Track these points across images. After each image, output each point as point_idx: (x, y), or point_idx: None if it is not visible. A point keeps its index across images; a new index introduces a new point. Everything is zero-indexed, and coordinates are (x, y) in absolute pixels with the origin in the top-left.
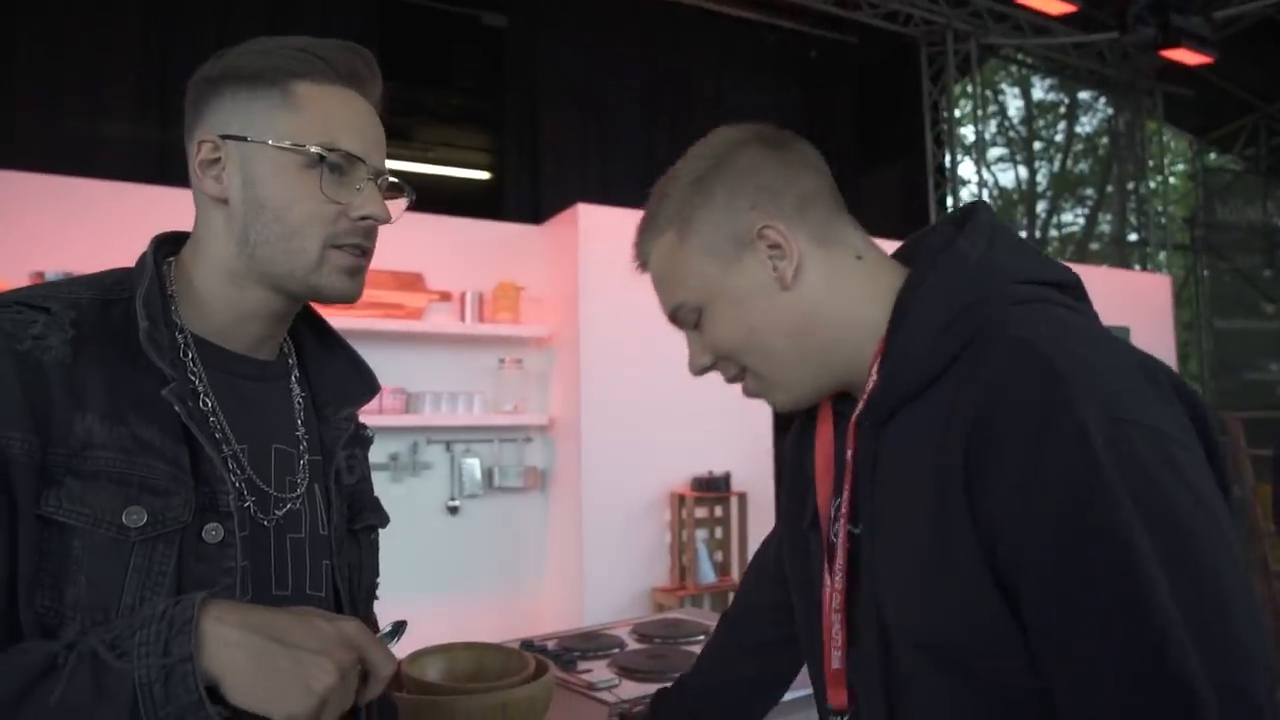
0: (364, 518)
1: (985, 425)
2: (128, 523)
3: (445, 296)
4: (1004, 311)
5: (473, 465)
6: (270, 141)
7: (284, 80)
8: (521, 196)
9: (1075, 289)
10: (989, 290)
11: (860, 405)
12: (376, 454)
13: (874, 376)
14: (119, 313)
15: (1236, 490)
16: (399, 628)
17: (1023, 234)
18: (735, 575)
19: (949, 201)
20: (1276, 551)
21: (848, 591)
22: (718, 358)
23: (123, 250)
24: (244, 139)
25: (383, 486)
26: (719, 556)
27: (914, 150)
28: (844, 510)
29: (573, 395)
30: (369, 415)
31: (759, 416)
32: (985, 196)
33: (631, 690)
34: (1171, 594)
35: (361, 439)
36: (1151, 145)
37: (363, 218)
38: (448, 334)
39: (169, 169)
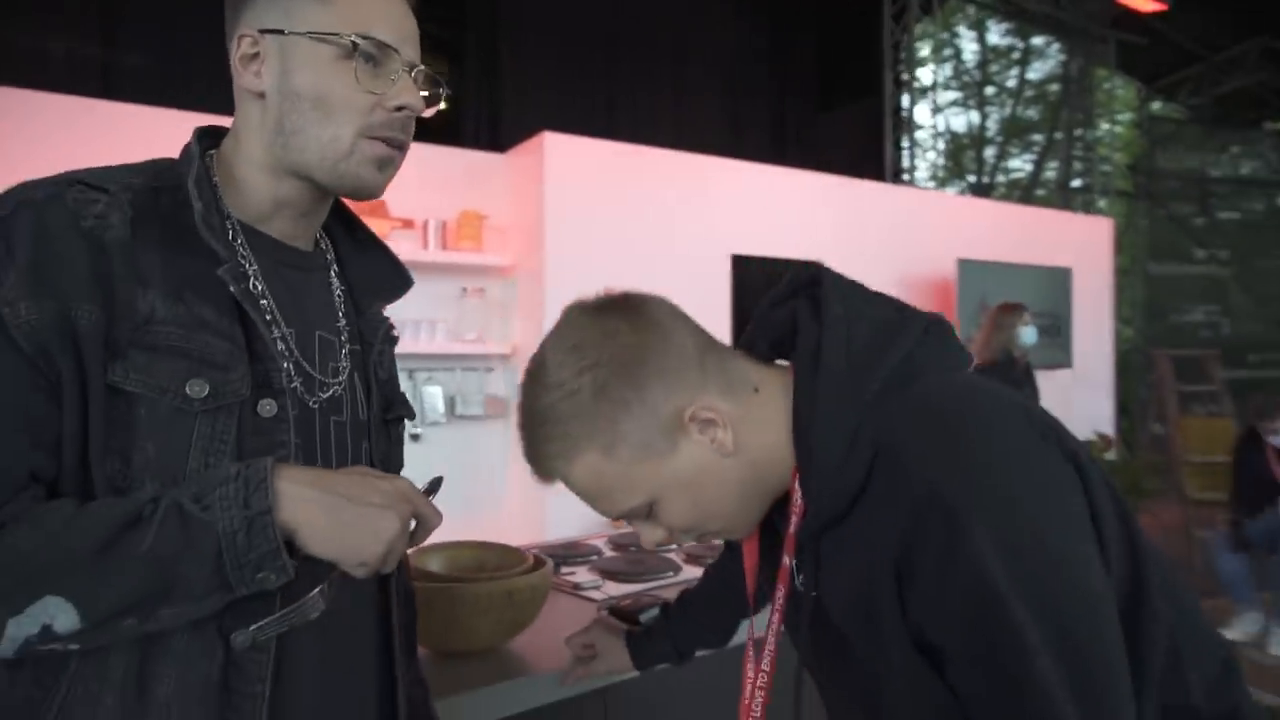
0: (395, 409)
1: (907, 562)
2: (191, 393)
3: (408, 224)
4: (890, 426)
5: (434, 393)
6: (307, 33)
7: None
8: (480, 124)
9: (936, 331)
10: (869, 411)
11: (795, 525)
12: None
13: (798, 498)
14: (167, 200)
15: (1157, 428)
16: (437, 483)
17: (972, 178)
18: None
19: (904, 144)
20: (1195, 480)
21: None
22: (673, 534)
23: (63, 163)
24: (281, 32)
25: None
26: None
27: (873, 90)
28: (773, 626)
29: (535, 325)
30: None
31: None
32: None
33: (615, 590)
34: (1053, 668)
35: (390, 338)
36: (1099, 93)
37: (398, 108)
38: (410, 262)
39: (113, 85)
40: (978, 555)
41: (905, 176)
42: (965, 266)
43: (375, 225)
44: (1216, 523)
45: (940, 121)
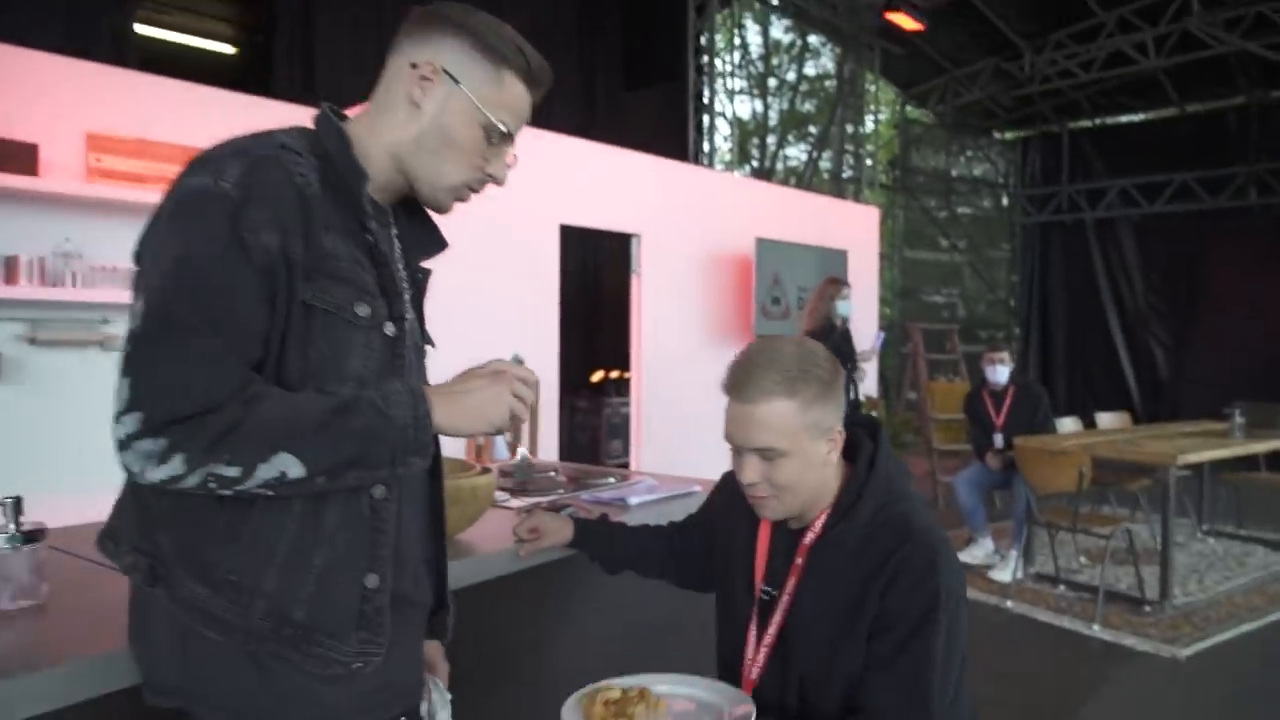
0: (426, 338)
1: (891, 586)
2: (359, 312)
3: None
4: (894, 508)
5: None
6: (472, 97)
7: (502, 64)
8: (293, 78)
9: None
10: (889, 497)
11: (813, 535)
12: None
13: (819, 522)
14: (327, 164)
15: (911, 394)
16: (519, 358)
17: (755, 163)
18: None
19: (705, 126)
20: (939, 434)
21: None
22: (766, 482)
23: None
24: (457, 82)
25: None
26: (509, 437)
27: (676, 76)
28: (789, 591)
29: None
30: None
31: (546, 312)
32: (726, 127)
33: (517, 502)
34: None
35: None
36: (867, 95)
37: (489, 176)
38: None
39: None
40: (935, 591)
41: (704, 159)
42: (762, 245)
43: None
44: (956, 468)
45: (729, 108)
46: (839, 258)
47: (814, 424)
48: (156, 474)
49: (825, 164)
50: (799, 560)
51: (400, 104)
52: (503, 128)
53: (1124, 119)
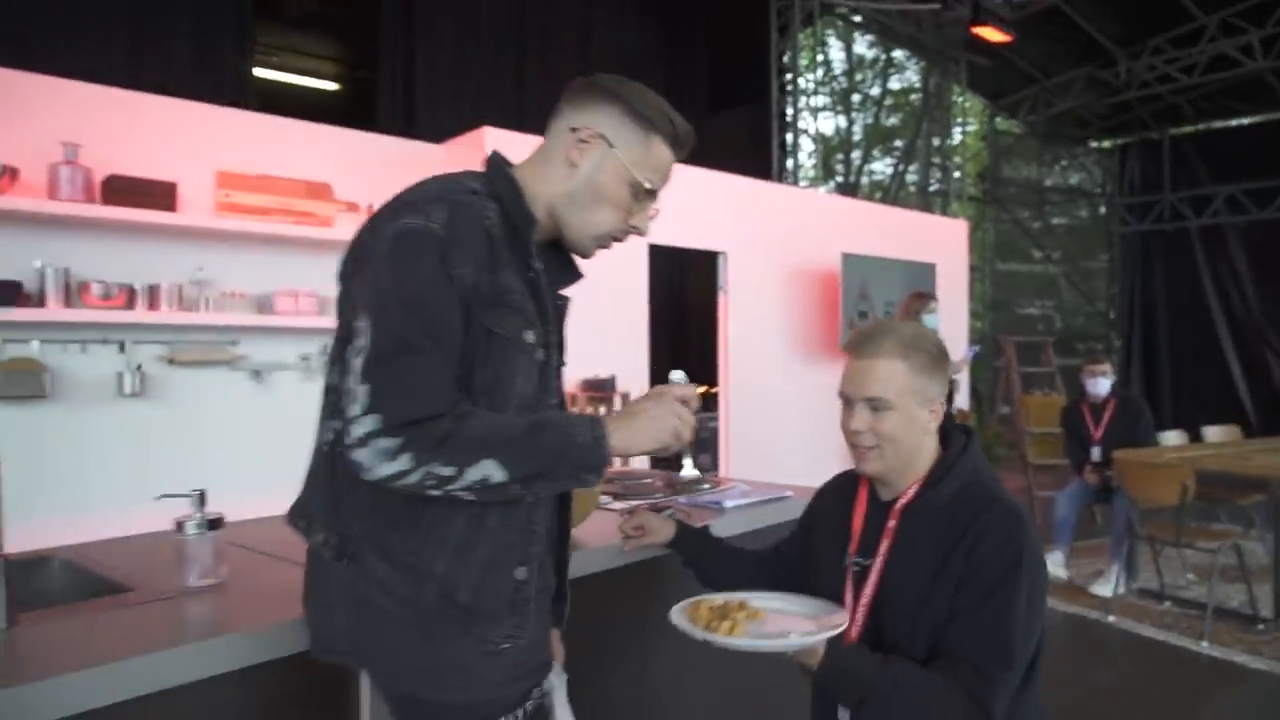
0: (563, 359)
1: (978, 545)
2: (527, 339)
3: (353, 207)
4: (981, 483)
5: None
6: (623, 159)
7: (651, 131)
8: (395, 112)
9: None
10: (976, 476)
11: (905, 501)
12: (288, 354)
13: (913, 490)
14: (499, 207)
15: (1004, 408)
16: (683, 374)
17: (839, 179)
18: (617, 463)
19: (788, 144)
20: (1034, 449)
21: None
22: (872, 431)
23: None
24: (611, 146)
25: (294, 385)
26: (687, 453)
27: (760, 98)
28: (882, 554)
29: None
30: (287, 316)
31: (636, 329)
32: (809, 144)
33: (619, 505)
34: (1023, 619)
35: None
36: (954, 107)
37: (633, 227)
38: None
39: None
40: (1018, 554)
41: (788, 177)
42: (848, 260)
43: (321, 207)
44: (1051, 483)
45: (812, 125)
46: (926, 271)
47: (920, 389)
48: (385, 469)
49: (911, 177)
50: (891, 524)
51: (560, 162)
52: (648, 185)
53: (1231, 123)
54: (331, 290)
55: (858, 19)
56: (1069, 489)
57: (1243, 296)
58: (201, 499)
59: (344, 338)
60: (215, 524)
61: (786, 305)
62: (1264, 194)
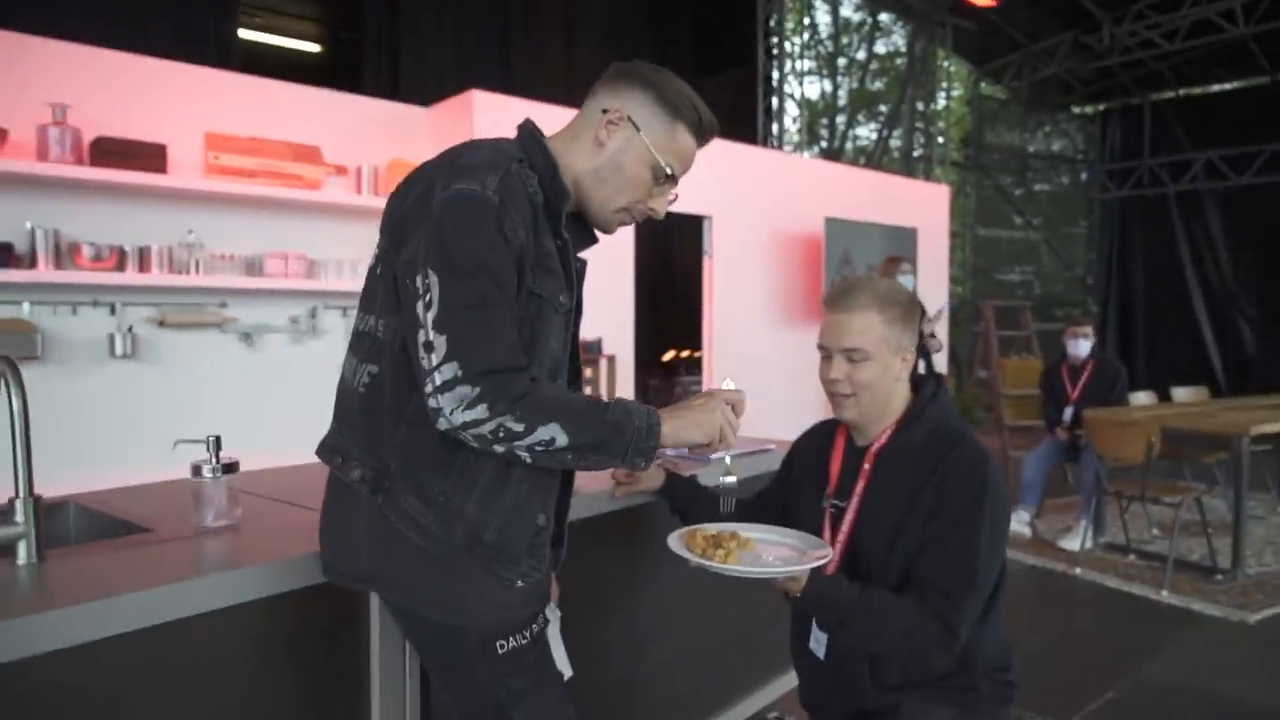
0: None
1: (946, 480)
2: (563, 301)
3: (341, 170)
4: (950, 425)
5: None
6: (648, 142)
7: (677, 118)
8: (380, 75)
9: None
10: (946, 419)
11: (879, 445)
12: (278, 317)
13: (886, 434)
14: (535, 176)
15: (982, 373)
16: (731, 384)
17: (824, 144)
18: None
19: (774, 109)
20: (1010, 410)
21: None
22: (848, 380)
23: None
24: (637, 129)
25: (283, 347)
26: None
27: (746, 61)
28: (858, 494)
29: None
30: (276, 278)
31: (622, 293)
32: (794, 108)
33: None
34: (986, 547)
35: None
36: (939, 72)
37: (650, 209)
38: (345, 205)
39: None
40: (983, 488)
41: (774, 141)
42: (831, 224)
43: (310, 170)
44: (1028, 445)
45: (798, 90)
46: (908, 235)
47: (893, 340)
48: (461, 417)
49: (895, 143)
50: (866, 466)
51: (588, 140)
52: (669, 170)
53: (1211, 88)
54: (321, 254)
55: None
56: (1038, 449)
57: (1216, 262)
58: (217, 444)
59: (391, 291)
60: (230, 468)
61: (770, 269)
62: (1241, 160)
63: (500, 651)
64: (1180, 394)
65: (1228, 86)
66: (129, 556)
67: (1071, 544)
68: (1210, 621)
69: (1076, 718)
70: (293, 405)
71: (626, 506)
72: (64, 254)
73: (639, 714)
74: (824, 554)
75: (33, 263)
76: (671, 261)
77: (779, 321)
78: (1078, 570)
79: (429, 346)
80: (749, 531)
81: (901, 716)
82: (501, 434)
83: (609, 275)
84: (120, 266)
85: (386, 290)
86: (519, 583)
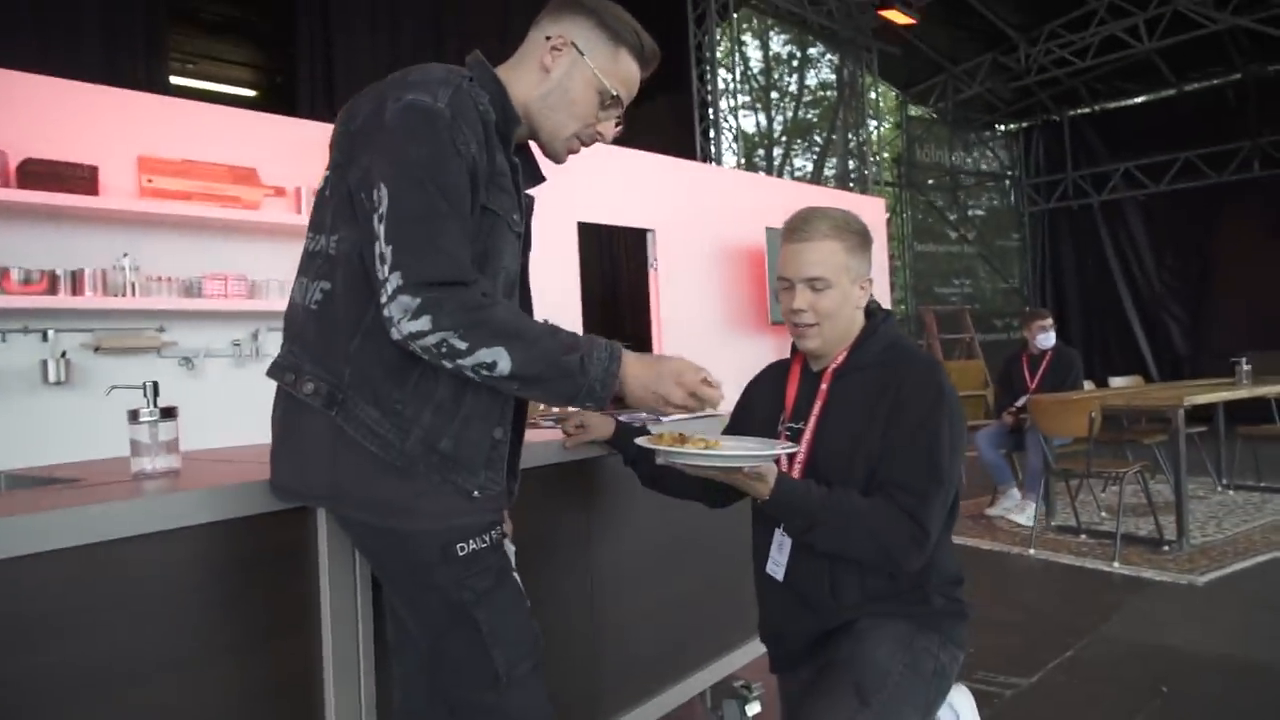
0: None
1: (902, 387)
2: (515, 219)
3: (280, 191)
4: (904, 342)
5: None
6: (594, 68)
7: (619, 43)
8: (315, 97)
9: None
10: (895, 337)
11: (835, 366)
12: (218, 340)
13: (842, 355)
14: (486, 100)
15: None
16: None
17: (763, 174)
18: None
19: (712, 135)
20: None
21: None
22: (812, 310)
23: None
24: (581, 54)
25: (226, 370)
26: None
27: (680, 86)
28: (815, 414)
29: None
30: (216, 300)
31: (570, 304)
32: (730, 140)
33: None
34: (948, 448)
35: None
36: (867, 98)
37: (598, 133)
38: (286, 225)
39: None
40: (939, 393)
41: (712, 163)
42: (772, 234)
43: (247, 192)
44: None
45: (733, 122)
46: None
47: (853, 267)
48: (409, 326)
49: (829, 171)
50: (823, 386)
51: (534, 67)
52: (614, 93)
53: (1124, 103)
54: (262, 275)
55: (769, 6)
56: (986, 431)
57: (1141, 265)
58: (155, 389)
59: (345, 205)
60: (168, 413)
61: (715, 280)
62: (1158, 168)
63: (460, 554)
64: (1117, 382)
65: (1138, 100)
66: (60, 495)
67: (1022, 518)
68: (1160, 586)
69: (1039, 674)
70: (240, 429)
71: (581, 458)
72: None
73: (597, 674)
74: (793, 448)
75: None
76: (618, 274)
77: (727, 330)
78: (1031, 551)
79: (381, 258)
80: (716, 439)
81: (856, 633)
82: (445, 350)
83: (553, 284)
84: (52, 290)
85: (339, 205)
86: (475, 493)
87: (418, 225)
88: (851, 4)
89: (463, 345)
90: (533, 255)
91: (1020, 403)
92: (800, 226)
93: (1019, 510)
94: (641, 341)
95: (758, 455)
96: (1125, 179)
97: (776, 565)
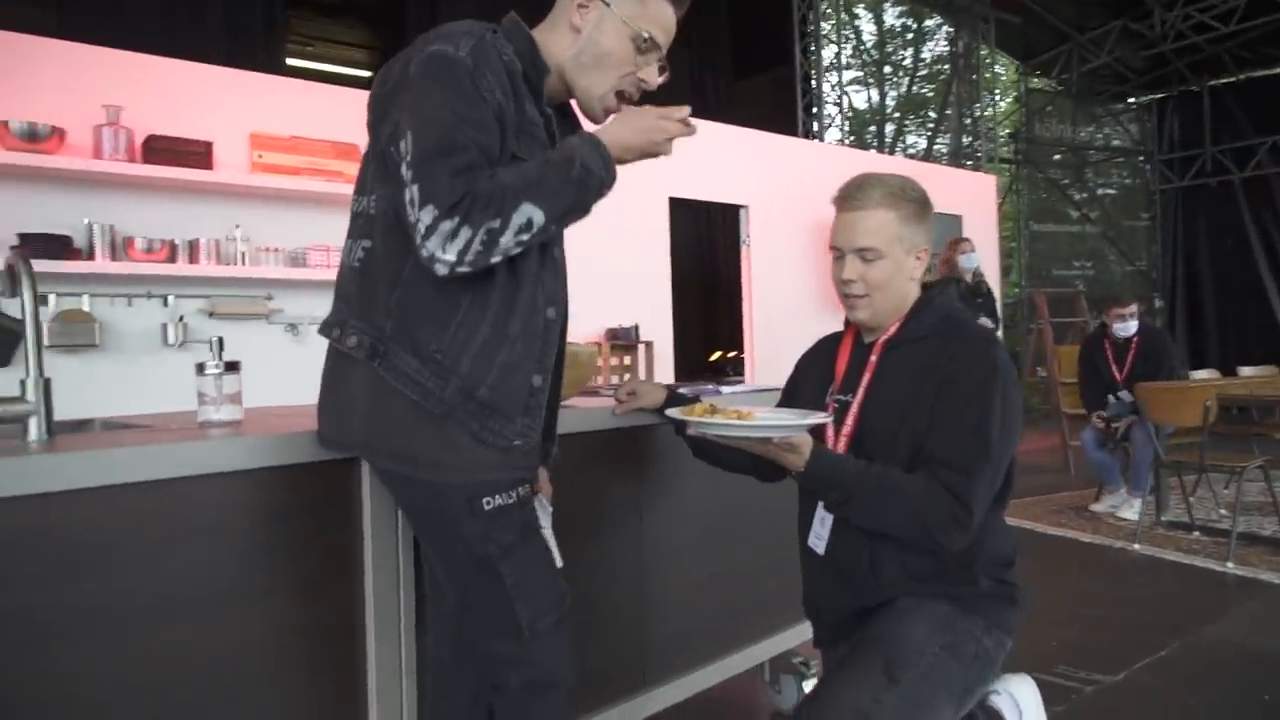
0: None
1: (955, 359)
2: None
3: None
4: (959, 315)
5: None
6: (621, 17)
7: None
8: None
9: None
10: (951, 309)
11: (887, 338)
12: (321, 308)
13: (894, 327)
14: (516, 53)
15: (1041, 371)
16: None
17: (873, 152)
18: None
19: (815, 110)
20: (1068, 399)
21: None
22: (862, 280)
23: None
24: (608, 4)
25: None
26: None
27: (783, 61)
28: (864, 385)
29: None
30: (319, 270)
31: (660, 280)
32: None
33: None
34: (999, 425)
35: None
36: (984, 69)
37: (641, 80)
38: None
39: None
40: (993, 369)
41: (815, 139)
42: None
43: (349, 167)
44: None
45: (843, 99)
46: (953, 222)
47: (907, 237)
48: (451, 253)
49: (940, 147)
50: (873, 359)
51: (564, 29)
52: (646, 35)
53: (1273, 70)
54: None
55: None
56: (1089, 430)
57: None
58: (220, 344)
59: (381, 165)
60: (233, 366)
61: (809, 258)
62: None
63: (486, 508)
64: (1246, 372)
65: None
66: (130, 436)
67: (1129, 514)
68: (1278, 590)
69: (1125, 672)
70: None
71: (633, 424)
72: (119, 247)
73: (646, 646)
74: (825, 418)
75: (90, 255)
76: (710, 254)
77: (820, 310)
78: (1136, 546)
79: (412, 202)
80: (750, 410)
81: (895, 610)
82: (487, 240)
83: (645, 260)
84: (171, 258)
85: (377, 165)
86: (516, 441)
87: (439, 158)
88: None
89: (497, 223)
90: (623, 229)
91: (1113, 404)
92: (853, 194)
93: (1127, 507)
94: (735, 332)
95: (789, 425)
96: (1272, 154)
97: (818, 539)
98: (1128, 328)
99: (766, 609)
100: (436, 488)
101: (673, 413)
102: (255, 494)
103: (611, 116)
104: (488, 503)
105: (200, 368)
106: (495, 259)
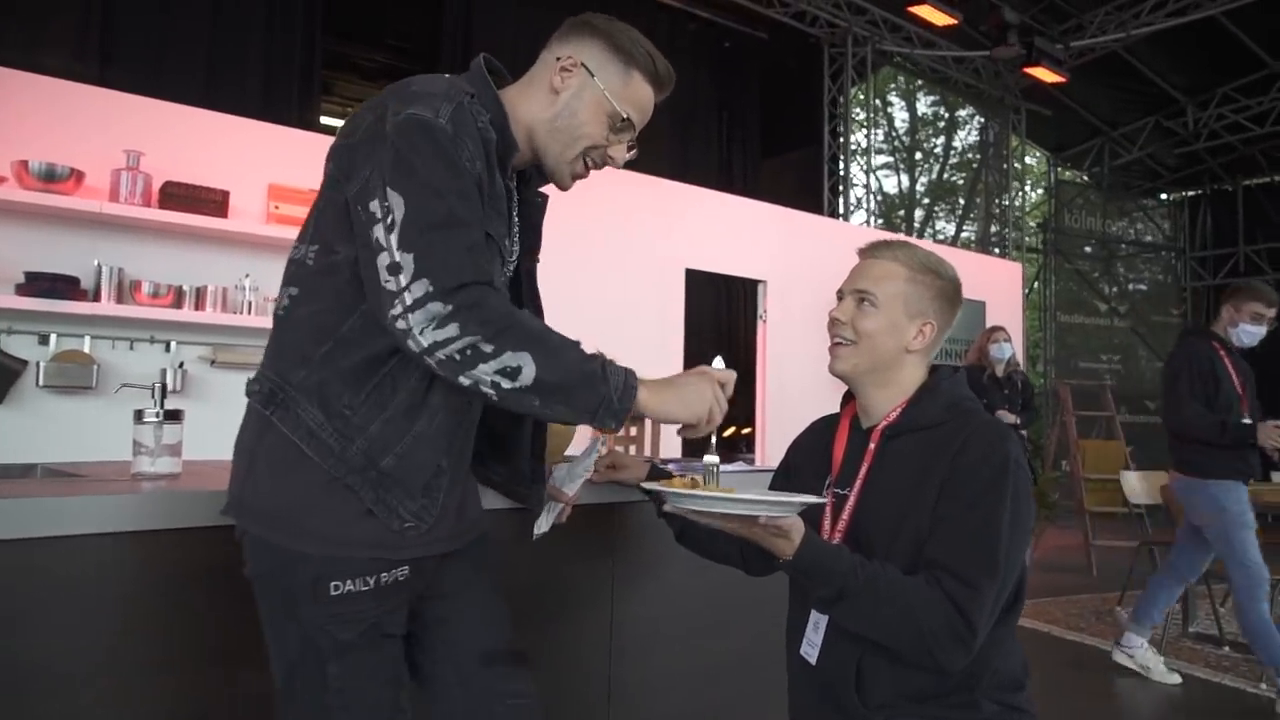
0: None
1: (962, 453)
2: (507, 244)
3: None
4: (967, 405)
5: None
6: (604, 89)
7: (632, 65)
8: None
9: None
10: (960, 397)
11: (886, 424)
12: None
13: (896, 412)
14: (487, 119)
15: (1065, 465)
16: (724, 362)
17: (901, 235)
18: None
19: (841, 191)
20: (1092, 496)
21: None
22: (851, 325)
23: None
24: (592, 75)
25: None
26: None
27: (812, 141)
28: (861, 477)
29: None
30: None
31: (673, 351)
32: (870, 200)
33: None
34: (1008, 531)
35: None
36: (1014, 159)
37: (608, 157)
38: None
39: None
40: (1004, 464)
41: (841, 219)
42: None
43: None
44: (1110, 532)
45: (872, 182)
46: (977, 308)
47: (913, 299)
48: (433, 335)
49: (967, 235)
50: (871, 446)
51: (543, 90)
52: (624, 115)
53: None
54: None
55: (913, 66)
56: (1187, 551)
57: None
58: (163, 390)
59: (342, 218)
60: (173, 415)
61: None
62: None
63: (333, 593)
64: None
65: None
66: (49, 488)
67: (1165, 676)
68: None
69: None
70: None
71: (610, 501)
72: (125, 290)
73: None
74: (818, 500)
75: (95, 296)
76: (726, 326)
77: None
78: (1162, 660)
79: (395, 268)
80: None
81: None
82: (468, 354)
83: (658, 329)
84: (177, 304)
85: (333, 218)
86: (409, 523)
87: (442, 232)
88: (1000, 62)
89: (488, 348)
90: (636, 298)
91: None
92: (876, 245)
93: (1147, 650)
94: (746, 394)
95: (779, 503)
96: None
97: (811, 646)
98: (1258, 334)
99: (745, 714)
100: (284, 556)
101: (650, 485)
102: (153, 555)
103: (676, 374)
104: (335, 587)
105: (139, 415)
106: (463, 381)
